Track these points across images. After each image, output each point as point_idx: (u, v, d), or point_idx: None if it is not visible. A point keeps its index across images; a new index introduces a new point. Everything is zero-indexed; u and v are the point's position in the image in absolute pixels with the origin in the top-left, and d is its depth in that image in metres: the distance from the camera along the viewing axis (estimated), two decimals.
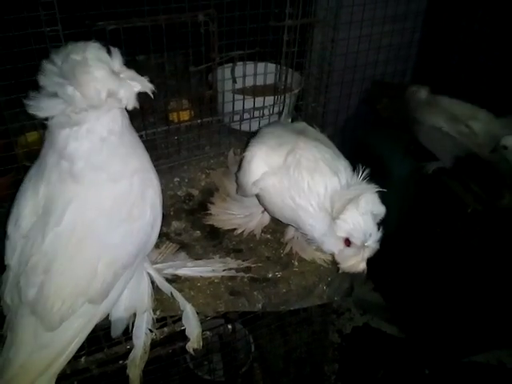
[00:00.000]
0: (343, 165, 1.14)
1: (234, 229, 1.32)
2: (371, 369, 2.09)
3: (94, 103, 0.84)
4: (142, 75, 0.89)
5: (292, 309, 1.22)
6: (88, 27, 1.16)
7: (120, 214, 0.93)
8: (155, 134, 1.47)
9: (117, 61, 0.88)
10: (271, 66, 1.55)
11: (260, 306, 1.16)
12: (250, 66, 1.48)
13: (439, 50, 2.50)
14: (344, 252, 1.06)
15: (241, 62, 1.47)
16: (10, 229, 0.95)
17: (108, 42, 1.17)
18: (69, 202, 0.90)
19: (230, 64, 1.54)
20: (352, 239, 1.03)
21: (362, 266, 1.05)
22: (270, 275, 1.20)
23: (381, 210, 1.04)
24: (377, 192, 1.04)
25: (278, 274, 1.21)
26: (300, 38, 1.45)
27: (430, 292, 2.08)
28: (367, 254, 1.04)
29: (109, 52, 0.88)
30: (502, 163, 1.78)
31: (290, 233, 1.28)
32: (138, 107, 0.89)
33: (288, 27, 1.39)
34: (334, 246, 1.07)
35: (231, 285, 1.18)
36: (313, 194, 1.08)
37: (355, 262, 1.05)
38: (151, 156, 1.22)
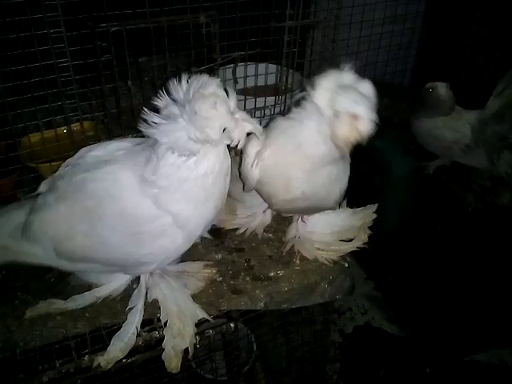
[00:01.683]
0: None
1: (237, 228, 1.33)
2: (372, 368, 2.09)
3: (212, 138, 0.89)
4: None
5: (294, 307, 1.23)
6: (91, 29, 1.17)
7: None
8: None
9: (233, 101, 0.93)
10: (272, 67, 1.56)
11: (262, 304, 1.17)
12: (251, 67, 1.49)
13: (438, 50, 2.51)
14: (335, 122, 1.01)
15: (242, 63, 1.48)
16: None
17: (110, 43, 1.20)
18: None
19: (232, 65, 1.54)
20: (336, 107, 1.00)
21: (357, 136, 0.99)
22: (272, 274, 1.22)
23: (365, 85, 1.02)
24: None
25: (280, 273, 1.22)
26: (301, 39, 1.46)
27: (432, 291, 2.09)
28: (361, 124, 0.98)
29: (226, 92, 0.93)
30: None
31: (292, 232, 1.29)
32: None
33: (289, 28, 1.40)
34: (325, 127, 1.03)
35: (233, 283, 1.19)
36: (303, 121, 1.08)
37: (348, 132, 0.99)
38: None
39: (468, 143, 1.89)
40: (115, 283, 1.14)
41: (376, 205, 1.34)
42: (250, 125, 0.94)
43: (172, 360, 1.07)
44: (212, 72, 1.46)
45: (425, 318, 2.12)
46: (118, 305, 1.15)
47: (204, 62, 1.37)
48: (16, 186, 1.38)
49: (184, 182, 0.95)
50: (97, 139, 1.41)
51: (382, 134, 2.28)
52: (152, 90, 1.68)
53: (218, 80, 0.94)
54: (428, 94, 1.88)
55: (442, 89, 1.86)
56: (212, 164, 0.95)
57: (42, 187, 1.12)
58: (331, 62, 1.64)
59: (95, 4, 1.17)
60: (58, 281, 1.20)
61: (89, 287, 1.14)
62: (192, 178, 0.95)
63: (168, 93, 0.92)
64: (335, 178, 1.15)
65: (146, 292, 1.14)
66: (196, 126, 0.88)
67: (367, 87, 1.02)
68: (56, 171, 1.13)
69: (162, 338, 1.09)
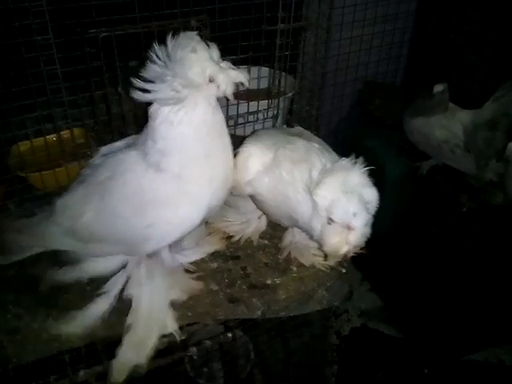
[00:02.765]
0: (333, 156, 1.12)
1: (231, 236, 1.31)
2: (370, 370, 2.08)
3: (196, 82, 0.92)
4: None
5: (292, 315, 1.21)
6: (80, 35, 1.15)
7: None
8: None
9: (215, 52, 0.96)
10: (264, 70, 1.55)
11: (259, 312, 1.15)
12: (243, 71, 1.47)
13: (430, 49, 2.50)
14: (326, 228, 0.99)
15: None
16: None
17: (100, 49, 1.18)
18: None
19: None
20: (331, 216, 0.97)
21: (344, 249, 0.97)
22: (269, 281, 1.20)
23: (370, 192, 0.99)
24: (366, 173, 1.00)
25: (277, 280, 1.20)
26: (293, 42, 1.44)
27: (428, 291, 2.08)
28: (353, 237, 0.96)
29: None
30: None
31: (288, 238, 1.27)
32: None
33: (281, 31, 1.38)
34: (318, 224, 1.01)
35: (230, 292, 1.17)
36: (297, 182, 1.06)
37: (338, 242, 0.97)
38: None
39: (458, 144, 1.88)
40: (105, 263, 1.15)
41: None
42: (236, 72, 0.96)
43: (120, 374, 1.03)
44: None
45: (421, 318, 2.12)
46: (114, 317, 1.12)
47: None
48: (6, 196, 1.35)
49: (179, 137, 0.97)
50: (87, 147, 1.39)
51: (375, 134, 2.29)
52: None
53: (195, 34, 0.96)
54: (439, 97, 1.86)
55: (445, 92, 1.85)
56: (203, 112, 0.97)
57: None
58: (324, 65, 1.63)
59: (84, 10, 1.15)
60: (50, 293, 1.17)
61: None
62: (186, 132, 0.97)
63: (152, 59, 0.94)
64: None
65: (126, 281, 1.13)
66: (179, 73, 0.91)
67: (371, 193, 0.99)
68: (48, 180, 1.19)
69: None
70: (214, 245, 1.28)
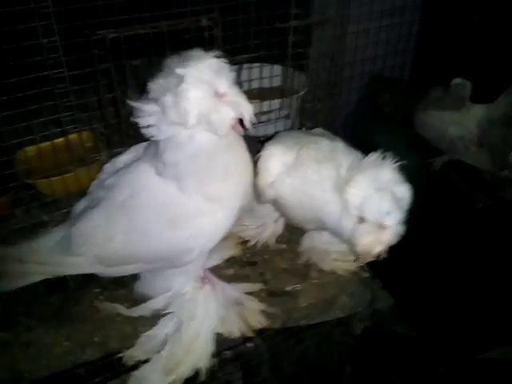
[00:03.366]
0: (358, 155, 1.07)
1: (247, 241, 1.27)
2: (384, 369, 2.06)
3: (182, 122, 0.86)
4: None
5: (313, 323, 1.17)
6: (87, 36, 1.11)
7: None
8: None
9: (224, 80, 0.87)
10: (277, 69, 1.51)
11: (280, 322, 1.12)
12: (255, 69, 1.44)
13: (438, 42, 2.46)
14: (359, 228, 0.96)
15: (246, 65, 1.43)
16: None
17: (108, 51, 1.14)
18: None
19: (236, 65, 1.49)
20: (364, 215, 0.94)
21: (378, 249, 0.96)
22: (289, 288, 1.16)
23: (403, 189, 0.96)
24: (397, 169, 0.97)
25: (297, 287, 1.17)
26: (305, 39, 1.40)
27: (442, 289, 2.06)
28: (386, 236, 0.94)
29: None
30: None
31: (307, 242, 1.23)
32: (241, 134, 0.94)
33: (293, 28, 1.34)
34: (348, 223, 0.98)
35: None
36: (325, 181, 1.01)
37: (371, 242, 0.95)
38: None
39: (473, 140, 1.85)
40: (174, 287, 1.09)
41: None
42: (237, 110, 0.88)
43: None
44: None
45: (436, 316, 2.09)
46: (128, 328, 1.09)
47: None
48: (14, 204, 1.31)
49: (190, 161, 0.92)
50: (97, 151, 1.35)
51: (384, 129, 2.25)
52: None
53: (210, 57, 0.88)
54: (456, 91, 1.82)
55: (467, 87, 1.82)
56: (198, 147, 0.91)
57: (78, 207, 1.11)
58: (337, 64, 1.59)
59: (91, 11, 1.11)
60: (62, 304, 1.15)
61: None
62: (194, 154, 0.92)
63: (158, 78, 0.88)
64: None
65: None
66: (175, 107, 0.85)
67: (404, 190, 0.97)
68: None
69: None
70: (229, 250, 1.25)
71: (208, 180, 0.95)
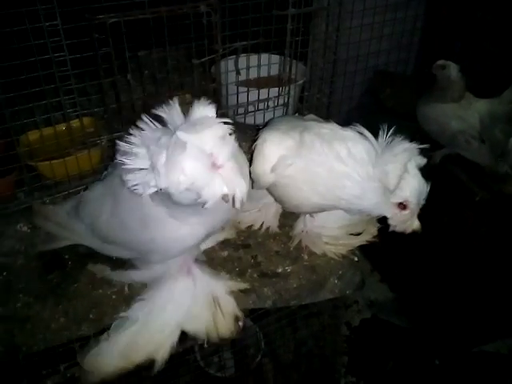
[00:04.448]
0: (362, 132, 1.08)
1: (251, 226, 1.29)
2: (381, 361, 2.07)
3: (172, 190, 0.79)
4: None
5: (303, 303, 1.20)
6: (88, 21, 1.13)
7: None
8: None
9: (225, 152, 0.80)
10: (275, 57, 1.53)
11: (270, 302, 1.14)
12: (253, 58, 1.45)
13: (442, 37, 2.47)
14: (398, 216, 1.01)
15: (244, 54, 1.44)
16: None
17: (109, 35, 1.16)
18: None
19: (234, 56, 1.50)
20: (409, 204, 0.99)
21: (417, 224, 1.03)
22: (280, 270, 1.19)
23: (424, 161, 1.03)
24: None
25: (288, 269, 1.19)
26: (304, 28, 1.42)
27: (438, 282, 2.06)
28: (416, 212, 1.02)
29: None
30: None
31: (300, 226, 1.26)
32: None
33: (292, 16, 1.36)
34: (387, 212, 1.02)
35: (241, 281, 1.16)
36: (357, 161, 1.00)
37: (410, 222, 1.02)
38: None
39: (474, 135, 1.86)
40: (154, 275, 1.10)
41: None
42: (231, 186, 0.80)
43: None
44: (213, 64, 1.42)
45: (432, 309, 2.10)
46: (124, 305, 1.12)
47: (205, 53, 1.33)
48: (16, 185, 1.34)
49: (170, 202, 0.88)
50: (97, 136, 1.38)
51: (386, 123, 2.25)
52: (152, 83, 1.65)
53: (219, 120, 0.83)
54: (439, 73, 1.84)
55: (453, 69, 1.82)
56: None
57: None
58: (335, 51, 1.60)
59: None
60: (59, 282, 1.17)
61: None
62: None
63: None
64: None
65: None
66: (167, 172, 0.78)
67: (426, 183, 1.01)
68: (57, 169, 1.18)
69: None
70: (224, 233, 1.26)
71: (186, 211, 0.93)
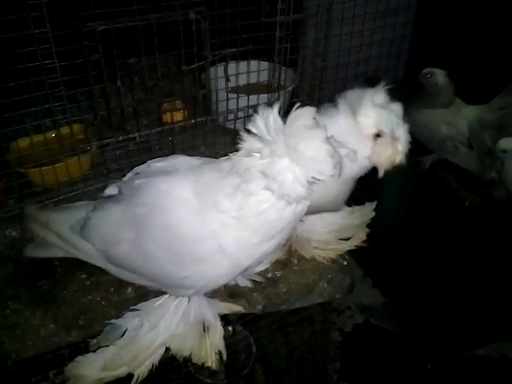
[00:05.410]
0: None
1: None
2: (373, 366, 2.07)
3: (326, 177, 0.78)
4: None
5: (293, 308, 1.20)
6: (78, 28, 1.14)
7: None
8: (149, 136, 1.45)
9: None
10: (264, 64, 1.54)
11: (260, 307, 1.14)
12: (243, 64, 1.46)
13: (431, 44, 2.49)
14: (377, 147, 1.02)
15: (234, 61, 1.45)
16: None
17: (98, 42, 1.17)
18: None
19: (223, 62, 1.52)
20: (380, 129, 1.01)
21: (399, 157, 1.02)
22: (270, 275, 1.19)
23: (397, 106, 1.04)
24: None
25: (278, 274, 1.19)
26: (293, 35, 1.43)
27: (430, 287, 2.07)
28: (401, 145, 1.02)
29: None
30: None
31: None
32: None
33: (280, 23, 1.37)
34: (365, 148, 1.03)
35: (230, 286, 1.16)
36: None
37: (391, 153, 1.02)
38: (146, 158, 1.20)
39: (463, 141, 1.87)
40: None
41: (374, 203, 1.32)
42: (345, 149, 0.86)
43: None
44: (203, 70, 1.43)
45: (424, 314, 2.11)
46: (113, 311, 1.12)
47: (195, 60, 1.34)
48: (5, 192, 1.34)
49: (269, 222, 0.86)
50: (87, 142, 1.38)
51: None
52: (142, 90, 1.66)
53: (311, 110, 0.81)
54: (426, 81, 1.86)
55: (440, 76, 1.84)
56: (303, 208, 0.87)
57: (108, 190, 1.09)
58: (324, 58, 1.61)
59: (82, 2, 1.13)
60: (49, 289, 1.17)
61: None
62: (279, 219, 0.85)
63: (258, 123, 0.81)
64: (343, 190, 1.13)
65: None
66: (304, 166, 0.77)
67: (399, 109, 1.04)
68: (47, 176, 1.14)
69: None
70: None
71: (248, 232, 0.88)
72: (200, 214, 0.89)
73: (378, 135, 1.02)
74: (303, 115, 0.79)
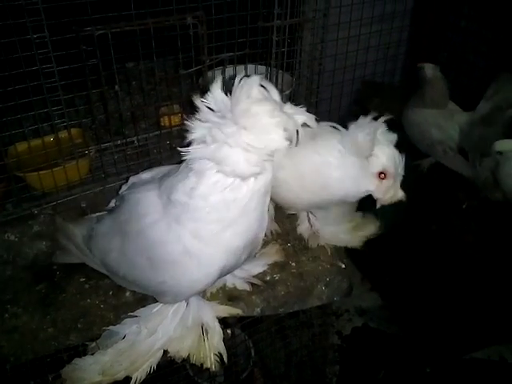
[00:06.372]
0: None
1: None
2: (372, 369, 2.07)
3: (279, 149, 0.78)
4: None
5: (291, 311, 1.20)
6: (76, 33, 1.14)
7: None
8: (147, 140, 1.45)
9: (275, 95, 0.82)
10: (261, 68, 1.54)
11: (259, 310, 1.14)
12: (240, 68, 1.47)
13: (427, 48, 2.51)
14: (381, 186, 1.06)
15: (231, 65, 1.46)
16: None
17: (96, 47, 1.17)
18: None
19: (221, 67, 1.52)
20: (388, 170, 1.04)
21: (401, 193, 1.07)
22: (268, 278, 1.19)
23: (395, 137, 1.07)
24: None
25: (276, 277, 1.19)
26: (290, 39, 1.44)
27: (429, 289, 2.07)
28: (399, 181, 1.06)
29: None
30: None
31: (304, 227, 1.29)
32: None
33: (277, 27, 1.38)
34: (370, 184, 1.06)
35: (229, 289, 1.16)
36: (331, 147, 1.07)
37: (394, 191, 1.06)
38: (144, 163, 1.21)
39: (452, 146, 1.89)
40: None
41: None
42: (302, 116, 0.81)
43: None
44: (201, 74, 1.44)
45: (423, 317, 2.11)
46: (111, 314, 1.12)
47: (192, 64, 1.35)
48: (4, 196, 1.34)
49: (224, 204, 0.84)
50: (85, 146, 1.39)
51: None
52: (140, 94, 1.66)
53: (257, 78, 0.81)
54: (419, 75, 1.87)
55: (429, 68, 1.86)
56: (265, 182, 0.85)
57: (112, 203, 1.16)
58: (320, 62, 1.62)
59: (79, 7, 1.14)
60: (48, 292, 1.17)
61: None
62: (235, 200, 0.84)
63: (202, 109, 0.81)
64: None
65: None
66: (254, 143, 0.76)
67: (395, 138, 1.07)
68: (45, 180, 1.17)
69: None
70: (273, 256, 1.23)
71: (216, 228, 0.87)
72: (165, 218, 0.90)
73: (383, 173, 1.04)
74: (247, 87, 0.79)
